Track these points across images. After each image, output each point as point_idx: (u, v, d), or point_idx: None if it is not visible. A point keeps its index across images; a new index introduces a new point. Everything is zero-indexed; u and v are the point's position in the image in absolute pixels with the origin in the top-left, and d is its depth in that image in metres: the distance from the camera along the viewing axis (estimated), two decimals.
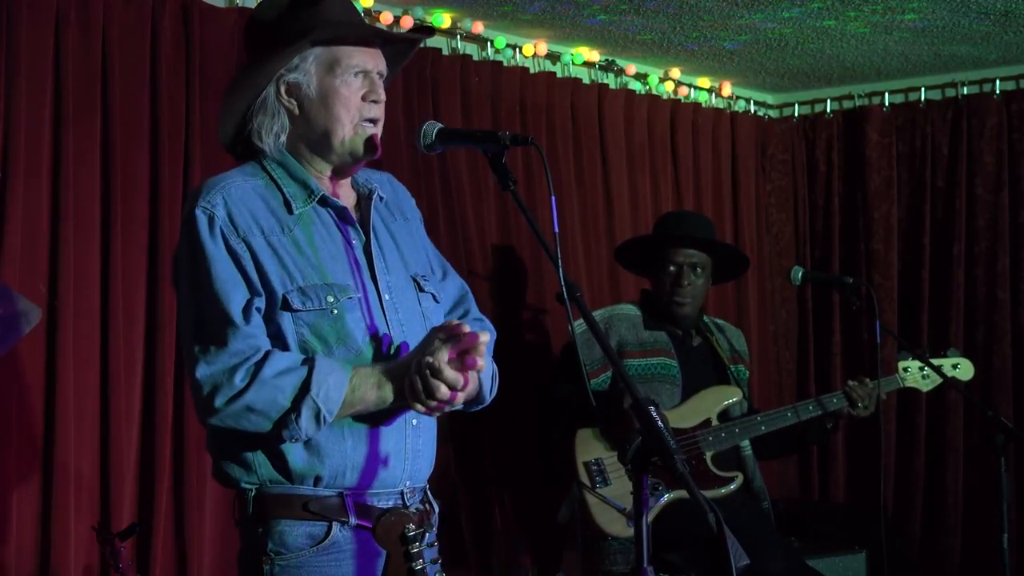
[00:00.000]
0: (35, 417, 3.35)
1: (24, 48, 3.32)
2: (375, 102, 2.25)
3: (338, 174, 2.30)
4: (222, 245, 2.15)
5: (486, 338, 2.13)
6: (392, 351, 2.23)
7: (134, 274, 3.54)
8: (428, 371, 2.07)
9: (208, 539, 3.65)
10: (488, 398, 2.39)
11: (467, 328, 2.10)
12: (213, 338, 2.12)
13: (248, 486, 2.21)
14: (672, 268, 4.05)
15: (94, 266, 3.48)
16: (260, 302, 2.15)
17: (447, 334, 2.11)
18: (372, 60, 2.27)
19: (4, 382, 3.28)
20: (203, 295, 2.14)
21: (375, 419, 2.20)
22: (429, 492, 2.36)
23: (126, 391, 3.50)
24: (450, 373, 2.08)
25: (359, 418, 2.19)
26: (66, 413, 3.36)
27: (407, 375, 2.11)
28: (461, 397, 2.13)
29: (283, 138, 2.27)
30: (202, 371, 2.11)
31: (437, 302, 2.39)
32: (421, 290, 2.35)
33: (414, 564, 2.22)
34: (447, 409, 2.15)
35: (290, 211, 2.22)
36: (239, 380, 2.09)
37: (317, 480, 2.18)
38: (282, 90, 2.25)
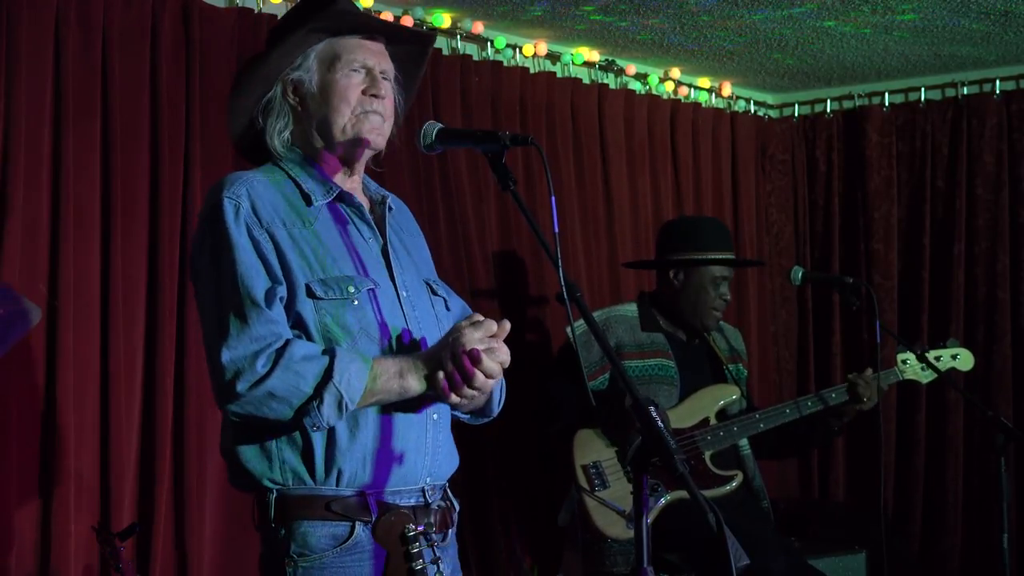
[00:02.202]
0: (35, 417, 3.35)
1: (24, 48, 3.32)
2: (375, 96, 2.28)
3: (348, 166, 2.33)
4: (246, 234, 2.17)
5: (508, 325, 2.18)
6: (412, 344, 2.25)
7: (134, 274, 3.54)
8: (467, 358, 2.10)
9: (208, 539, 3.65)
10: (495, 411, 2.41)
11: (489, 320, 2.16)
12: (235, 323, 2.12)
13: (270, 485, 2.19)
14: (717, 282, 4.09)
15: (94, 266, 3.47)
16: (282, 291, 2.16)
17: (471, 322, 2.15)
18: (374, 57, 2.30)
19: (4, 382, 3.28)
20: (226, 281, 2.15)
21: (396, 414, 2.21)
22: (449, 490, 2.37)
23: (126, 391, 3.50)
24: (488, 361, 2.12)
25: (380, 412, 2.20)
26: (66, 413, 3.36)
27: (440, 365, 2.13)
28: (491, 384, 2.16)
29: (286, 134, 2.31)
30: (225, 356, 2.11)
31: (448, 309, 2.41)
32: (434, 293, 2.39)
33: (414, 564, 2.21)
34: (476, 396, 2.17)
35: (309, 204, 2.25)
36: (261, 366, 2.09)
37: (339, 478, 2.17)
38: (289, 90, 2.30)
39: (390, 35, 2.38)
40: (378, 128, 2.29)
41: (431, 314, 2.34)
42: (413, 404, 2.22)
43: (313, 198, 2.26)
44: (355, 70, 2.28)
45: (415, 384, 2.16)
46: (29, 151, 3.33)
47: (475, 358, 2.11)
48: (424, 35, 2.49)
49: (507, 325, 2.18)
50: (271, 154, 2.32)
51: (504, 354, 2.17)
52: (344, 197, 2.30)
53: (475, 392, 2.15)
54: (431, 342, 2.27)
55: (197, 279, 2.25)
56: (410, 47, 2.44)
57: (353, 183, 2.35)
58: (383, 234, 2.32)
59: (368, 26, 2.34)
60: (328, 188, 2.29)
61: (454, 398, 2.15)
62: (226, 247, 2.17)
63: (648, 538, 1.85)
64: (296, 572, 2.18)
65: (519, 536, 4.49)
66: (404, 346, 2.24)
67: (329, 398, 2.10)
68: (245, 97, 2.31)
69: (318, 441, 2.16)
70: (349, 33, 2.30)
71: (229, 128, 2.36)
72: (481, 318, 2.17)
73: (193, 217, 3.63)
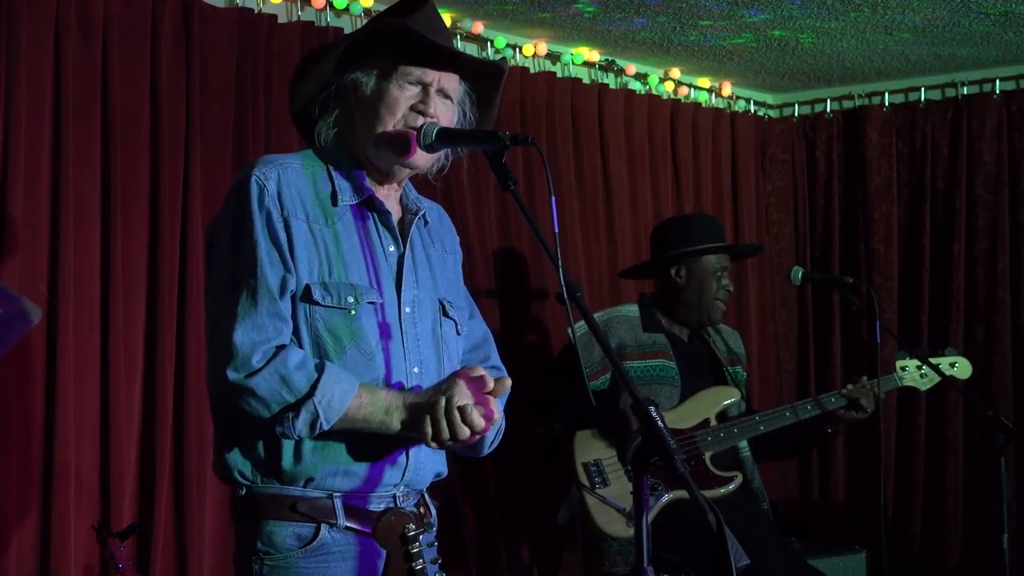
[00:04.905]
0: (35, 417, 3.35)
1: (24, 48, 3.32)
2: (422, 113, 2.25)
3: (383, 174, 2.31)
4: (265, 218, 2.17)
5: (508, 384, 2.17)
6: (404, 362, 2.23)
7: (134, 274, 3.54)
8: (458, 414, 2.09)
9: (208, 539, 3.65)
10: (486, 450, 2.39)
11: (488, 376, 2.15)
12: (244, 307, 2.12)
13: (240, 480, 2.20)
14: (719, 274, 4.12)
15: (94, 266, 3.47)
16: (293, 282, 2.16)
17: (470, 377, 2.14)
18: (433, 73, 2.27)
19: (4, 382, 3.28)
20: (243, 262, 2.15)
21: (385, 435, 2.19)
22: (426, 494, 2.36)
23: (126, 391, 3.50)
24: (477, 418, 2.10)
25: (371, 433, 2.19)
26: (66, 413, 3.36)
27: (428, 412, 2.11)
28: (475, 439, 2.15)
29: (334, 130, 2.31)
30: (226, 339, 2.11)
31: (459, 333, 2.39)
32: (445, 314, 2.35)
33: (414, 564, 2.21)
34: (457, 447, 2.18)
35: (334, 203, 2.24)
36: (255, 360, 2.10)
37: (308, 482, 2.18)
38: (348, 88, 2.29)
39: (458, 63, 2.32)
40: (409, 135, 2.24)
41: (435, 333, 2.32)
42: None
43: (340, 198, 2.25)
44: (410, 83, 2.25)
45: (398, 424, 2.15)
46: (29, 151, 3.33)
47: (464, 414, 2.09)
48: (494, 66, 2.42)
49: (507, 383, 2.17)
50: (316, 143, 2.33)
51: (496, 412, 2.14)
52: (372, 202, 2.28)
53: (457, 445, 2.14)
54: (426, 363, 2.26)
55: (212, 249, 2.25)
56: (487, 74, 2.39)
57: (388, 190, 2.33)
58: (404, 245, 2.30)
59: (438, 56, 2.27)
60: (358, 190, 2.27)
61: (434, 445, 2.14)
62: (247, 228, 2.16)
63: (648, 538, 1.85)
64: (262, 570, 2.19)
65: (519, 536, 4.49)
66: (392, 364, 2.22)
67: (305, 414, 2.10)
68: (307, 83, 2.32)
69: (288, 442, 2.16)
70: (417, 61, 2.26)
71: (290, 105, 2.37)
72: (481, 372, 2.16)
73: (193, 217, 3.64)
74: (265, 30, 3.87)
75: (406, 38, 2.24)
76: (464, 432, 2.10)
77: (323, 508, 2.19)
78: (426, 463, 2.29)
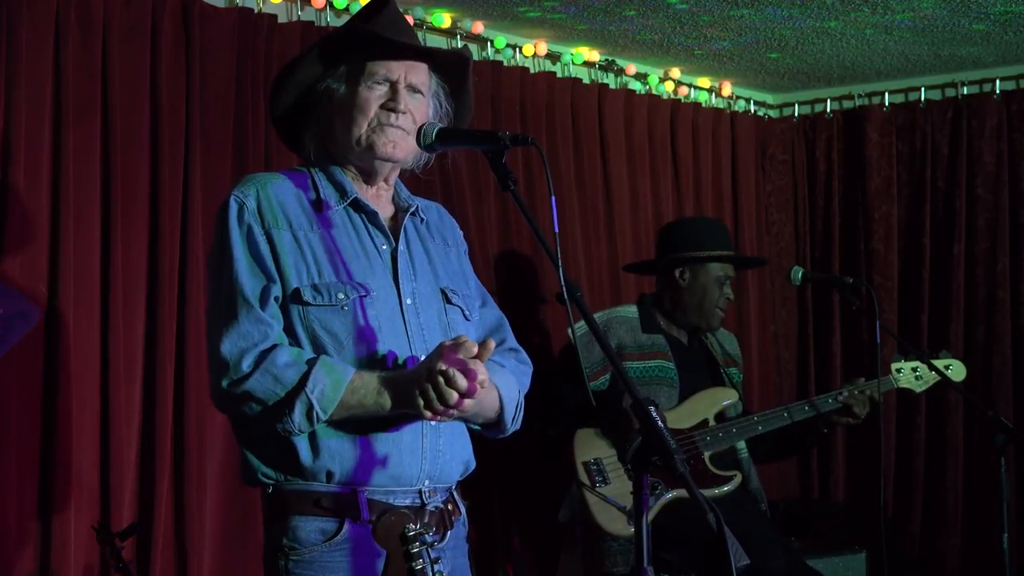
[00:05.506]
0: (35, 417, 3.35)
1: (24, 48, 3.32)
2: (392, 111, 2.29)
3: (367, 175, 2.36)
4: (245, 233, 2.23)
5: (491, 345, 2.19)
6: (409, 352, 2.26)
7: (134, 274, 3.54)
8: (442, 378, 2.11)
9: (208, 539, 3.65)
10: (509, 427, 2.40)
11: (469, 341, 2.16)
12: (227, 320, 2.19)
13: (265, 480, 2.24)
14: (722, 281, 4.13)
15: (94, 266, 3.47)
16: (276, 290, 2.21)
17: (453, 343, 2.16)
18: (400, 70, 2.31)
19: (4, 382, 3.28)
20: (224, 279, 2.22)
21: (389, 418, 2.22)
22: (456, 493, 2.37)
23: (126, 391, 3.50)
24: (460, 379, 2.11)
25: (371, 418, 2.21)
26: (66, 413, 3.36)
27: (416, 383, 2.13)
28: (470, 403, 2.16)
29: (316, 138, 2.37)
30: (215, 352, 2.19)
31: (467, 319, 2.41)
32: (448, 302, 2.38)
33: (414, 564, 2.22)
34: (455, 414, 2.17)
35: (319, 209, 2.29)
36: (245, 365, 2.16)
37: (329, 476, 2.21)
38: (324, 97, 2.34)
39: (424, 57, 2.37)
40: (394, 141, 2.29)
41: (440, 322, 2.35)
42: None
43: (325, 203, 2.30)
44: (378, 83, 2.30)
45: (389, 403, 2.18)
46: (29, 151, 3.33)
47: (448, 378, 2.11)
48: (456, 54, 2.45)
49: (491, 345, 2.19)
50: (301, 152, 2.40)
51: (481, 374, 2.16)
52: (358, 203, 2.32)
53: (452, 411, 2.14)
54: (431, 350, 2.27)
55: (207, 273, 2.33)
56: (453, 62, 2.42)
57: (374, 191, 2.37)
58: (397, 240, 2.34)
59: (399, 51, 2.32)
60: (343, 194, 2.32)
61: (429, 415, 2.15)
62: (227, 245, 2.23)
63: (648, 538, 1.85)
64: (287, 565, 2.22)
65: (518, 536, 4.49)
66: (395, 355, 2.25)
67: (300, 406, 2.14)
68: (285, 94, 2.37)
69: (306, 439, 2.20)
70: (381, 57, 2.31)
71: (271, 112, 2.42)
72: (464, 339, 2.18)
73: (193, 217, 3.65)
74: (265, 30, 3.87)
75: (369, 40, 2.29)
76: (452, 396, 2.11)
77: (346, 503, 2.21)
78: (447, 452, 2.31)
